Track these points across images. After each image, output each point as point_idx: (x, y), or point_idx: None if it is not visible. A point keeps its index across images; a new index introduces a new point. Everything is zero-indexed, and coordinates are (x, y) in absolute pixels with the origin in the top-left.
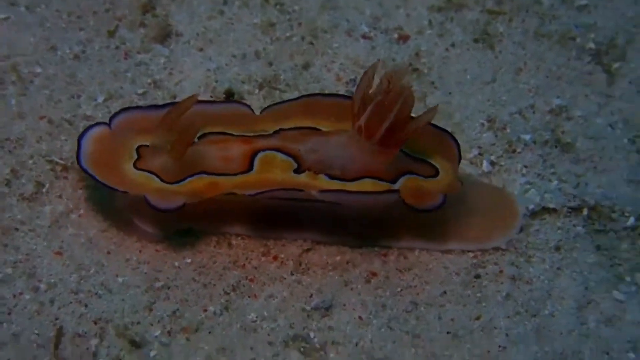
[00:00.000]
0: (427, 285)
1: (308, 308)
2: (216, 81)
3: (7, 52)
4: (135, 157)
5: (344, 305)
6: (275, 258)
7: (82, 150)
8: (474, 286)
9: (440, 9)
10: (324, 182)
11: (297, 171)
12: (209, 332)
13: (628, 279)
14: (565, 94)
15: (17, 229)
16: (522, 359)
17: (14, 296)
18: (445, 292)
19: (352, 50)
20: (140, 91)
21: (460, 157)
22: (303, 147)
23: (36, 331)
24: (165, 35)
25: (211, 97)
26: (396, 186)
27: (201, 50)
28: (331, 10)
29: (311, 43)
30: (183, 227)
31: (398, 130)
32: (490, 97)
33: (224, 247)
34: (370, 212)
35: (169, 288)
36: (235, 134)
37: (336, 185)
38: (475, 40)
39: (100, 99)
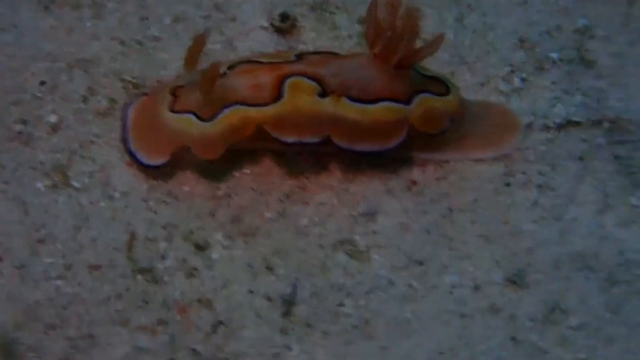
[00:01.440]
0: (461, 193)
1: (355, 214)
2: (272, 4)
3: None
4: (172, 98)
5: (388, 211)
6: (324, 168)
7: (127, 126)
8: (504, 193)
9: None
10: (346, 106)
11: (322, 95)
12: (266, 236)
13: None
14: (590, 14)
15: (92, 142)
16: (547, 259)
17: (91, 203)
18: (477, 200)
19: None
20: (203, 14)
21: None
22: (326, 70)
23: (111, 235)
24: None
25: (267, 20)
26: (411, 106)
27: None
28: None
29: None
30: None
31: (410, 56)
32: (522, 17)
33: (279, 159)
34: None
35: (229, 196)
36: (263, 61)
37: (357, 111)
38: None
39: (167, 21)
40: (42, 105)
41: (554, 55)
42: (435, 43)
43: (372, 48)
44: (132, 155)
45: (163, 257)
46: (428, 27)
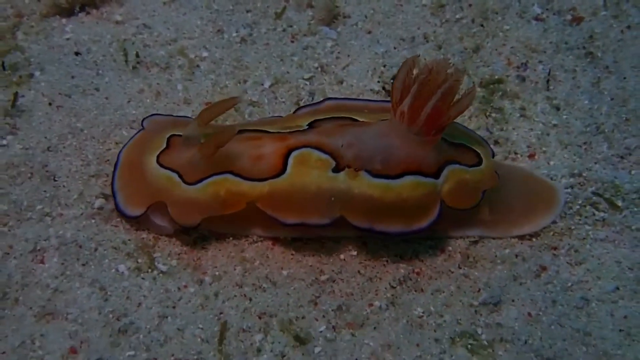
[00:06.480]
0: (599, 281)
1: (476, 303)
2: (384, 65)
3: (175, 36)
4: (164, 146)
5: (513, 300)
6: (442, 251)
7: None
8: None
9: None
10: (364, 182)
11: (336, 169)
12: (375, 328)
13: None
14: None
15: None
16: None
17: (179, 289)
18: (618, 288)
19: (523, 32)
20: (306, 76)
21: (493, 154)
22: (341, 140)
23: (201, 326)
24: (332, 17)
25: (378, 82)
26: (440, 180)
27: (369, 32)
28: None
29: (481, 25)
30: (200, 230)
31: (441, 114)
32: None
33: (389, 239)
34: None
35: (334, 281)
36: (271, 130)
37: (377, 188)
38: None
39: (266, 84)
40: None
41: None
42: (467, 99)
43: (396, 106)
44: (113, 195)
45: (259, 351)
46: (560, 93)
